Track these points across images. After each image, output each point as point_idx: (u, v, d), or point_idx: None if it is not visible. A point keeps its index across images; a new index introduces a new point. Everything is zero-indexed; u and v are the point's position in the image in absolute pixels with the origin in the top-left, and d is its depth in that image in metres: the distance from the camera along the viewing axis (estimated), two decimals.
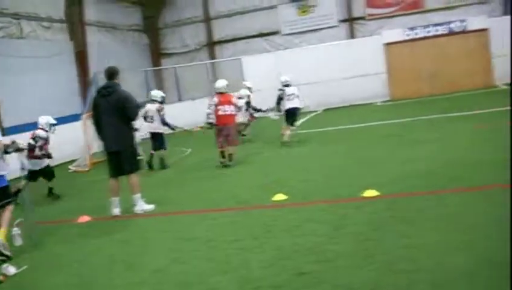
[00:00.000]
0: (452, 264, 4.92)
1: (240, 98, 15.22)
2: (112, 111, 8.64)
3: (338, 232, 6.32)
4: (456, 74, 23.08)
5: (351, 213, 7.04)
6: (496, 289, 4.39)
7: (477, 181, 7.85)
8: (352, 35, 27.20)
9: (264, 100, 23.53)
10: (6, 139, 8.56)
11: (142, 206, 8.93)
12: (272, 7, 28.24)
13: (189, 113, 22.56)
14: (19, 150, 8.52)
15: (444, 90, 22.56)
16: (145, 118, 13.63)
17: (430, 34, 23.61)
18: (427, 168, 9.22)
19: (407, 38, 23.81)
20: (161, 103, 13.85)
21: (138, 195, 8.94)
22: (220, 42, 29.39)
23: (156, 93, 14.15)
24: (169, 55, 29.97)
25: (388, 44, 23.82)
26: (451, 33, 23.44)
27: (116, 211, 8.92)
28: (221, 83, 12.94)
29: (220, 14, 29.18)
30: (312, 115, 21.75)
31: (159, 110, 13.67)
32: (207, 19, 29.28)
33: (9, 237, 7.31)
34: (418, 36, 23.70)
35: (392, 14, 26.67)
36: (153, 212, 8.86)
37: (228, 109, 12.62)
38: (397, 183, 8.39)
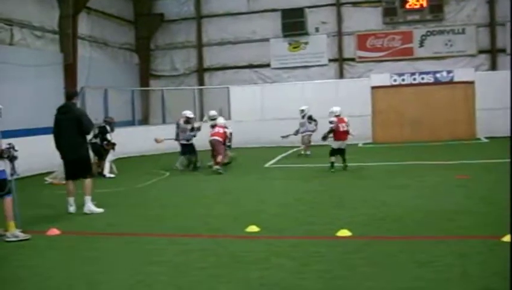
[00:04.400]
0: None
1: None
2: (69, 126, 10.18)
3: (306, 268, 6.30)
4: (440, 122, 23.36)
5: (321, 251, 7.03)
6: None
7: (451, 231, 7.90)
8: (341, 75, 27.51)
9: (249, 131, 23.46)
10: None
11: (91, 207, 10.31)
12: (264, 40, 28.48)
13: (172, 136, 22.52)
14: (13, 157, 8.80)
15: (426, 138, 22.78)
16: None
17: (416, 81, 23.97)
18: (402, 213, 9.26)
19: (394, 83, 24.12)
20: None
21: (89, 197, 10.37)
22: (210, 69, 29.50)
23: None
24: (159, 77, 29.98)
25: (375, 87, 24.09)
26: (437, 82, 23.81)
27: (72, 209, 10.37)
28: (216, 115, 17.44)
29: (212, 42, 29.36)
30: (291, 152, 21.82)
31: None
32: (199, 45, 29.43)
33: None
34: (404, 82, 24.04)
35: (381, 59, 27.08)
36: (123, 231, 8.81)
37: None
38: (371, 226, 8.43)
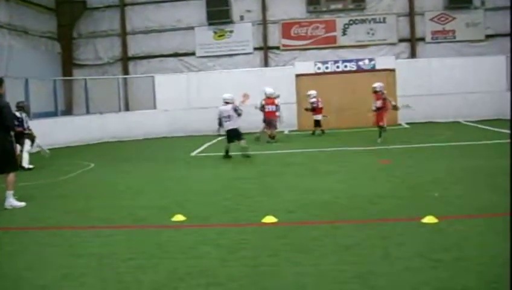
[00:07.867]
0: None
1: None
2: None
3: (232, 255, 6.37)
4: (363, 109, 23.79)
5: (247, 238, 7.12)
6: None
7: (374, 214, 8.16)
8: (266, 63, 27.70)
9: (175, 120, 23.50)
10: None
11: (12, 202, 9.99)
12: (189, 28, 28.33)
13: (96, 127, 22.15)
14: None
15: (350, 124, 23.29)
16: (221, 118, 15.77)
17: (340, 69, 24.46)
18: (327, 198, 9.46)
19: (318, 71, 24.53)
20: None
21: (11, 192, 10.00)
22: (134, 58, 29.05)
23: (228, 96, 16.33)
24: (82, 66, 29.25)
25: (299, 75, 24.39)
26: (360, 70, 24.35)
27: None
28: (271, 90, 19.85)
29: (136, 30, 28.90)
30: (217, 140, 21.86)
31: (235, 110, 15.66)
32: (123, 34, 28.88)
33: None
34: (328, 70, 24.48)
35: (305, 47, 27.46)
36: (47, 225, 8.62)
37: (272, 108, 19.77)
38: (296, 212, 8.57)
